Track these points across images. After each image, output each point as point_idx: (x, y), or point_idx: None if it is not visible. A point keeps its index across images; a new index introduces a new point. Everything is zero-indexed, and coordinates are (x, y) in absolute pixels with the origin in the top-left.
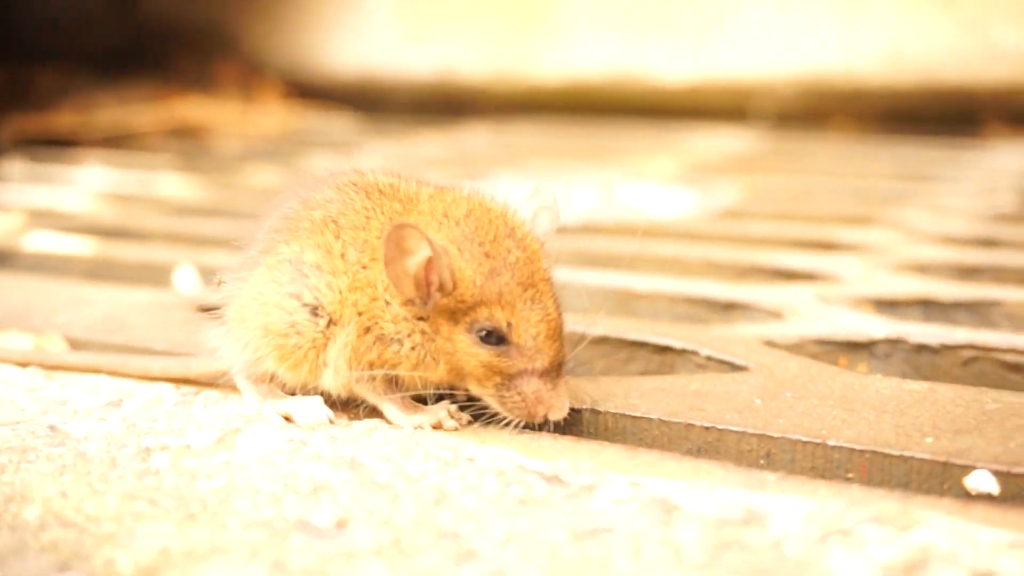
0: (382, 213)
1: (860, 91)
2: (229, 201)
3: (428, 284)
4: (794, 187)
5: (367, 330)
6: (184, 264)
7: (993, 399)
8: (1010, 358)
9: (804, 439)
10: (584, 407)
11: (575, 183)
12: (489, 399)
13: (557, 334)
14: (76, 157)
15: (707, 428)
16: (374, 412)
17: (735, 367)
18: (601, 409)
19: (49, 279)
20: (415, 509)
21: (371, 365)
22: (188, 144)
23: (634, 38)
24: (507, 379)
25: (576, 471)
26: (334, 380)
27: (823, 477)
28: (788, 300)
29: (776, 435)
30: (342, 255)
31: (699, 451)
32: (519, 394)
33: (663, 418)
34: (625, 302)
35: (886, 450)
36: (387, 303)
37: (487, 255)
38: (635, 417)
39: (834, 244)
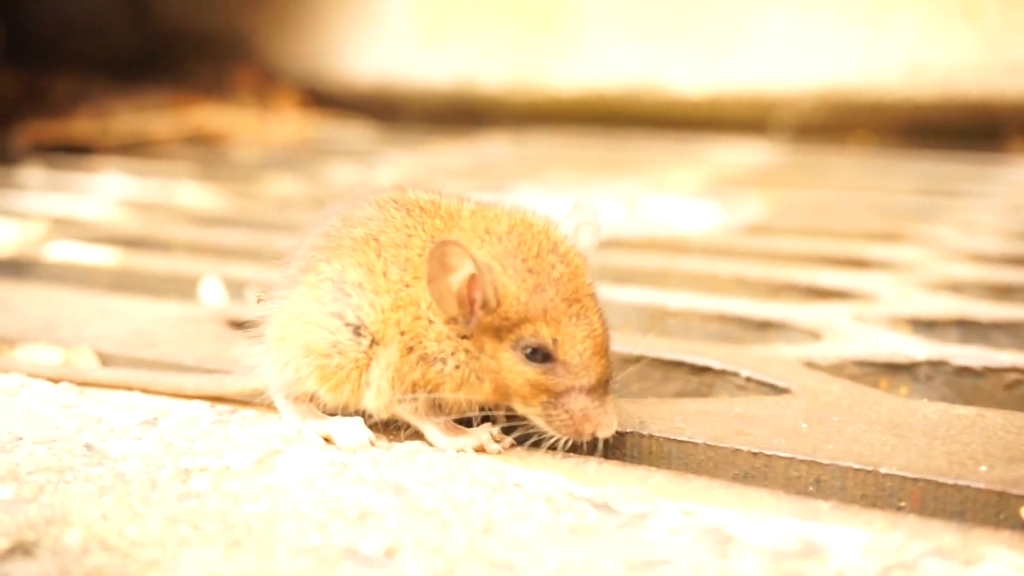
0: (423, 231)
1: (881, 104)
2: (249, 211)
3: (471, 302)
4: (818, 201)
5: (410, 350)
6: (209, 276)
7: None
8: None
9: (855, 466)
10: (629, 430)
11: (598, 196)
12: (535, 418)
13: (603, 350)
14: (93, 164)
15: (755, 454)
16: (416, 434)
17: (777, 389)
18: (646, 432)
19: (74, 290)
20: (465, 537)
21: (414, 386)
22: (205, 152)
23: (654, 48)
24: (553, 397)
25: (626, 498)
26: (376, 401)
27: (875, 506)
28: (825, 319)
29: (826, 462)
30: (384, 273)
31: (747, 477)
32: (566, 412)
33: (709, 442)
34: (657, 320)
35: (940, 479)
36: (430, 322)
37: (530, 271)
38: (681, 441)
39: (865, 261)
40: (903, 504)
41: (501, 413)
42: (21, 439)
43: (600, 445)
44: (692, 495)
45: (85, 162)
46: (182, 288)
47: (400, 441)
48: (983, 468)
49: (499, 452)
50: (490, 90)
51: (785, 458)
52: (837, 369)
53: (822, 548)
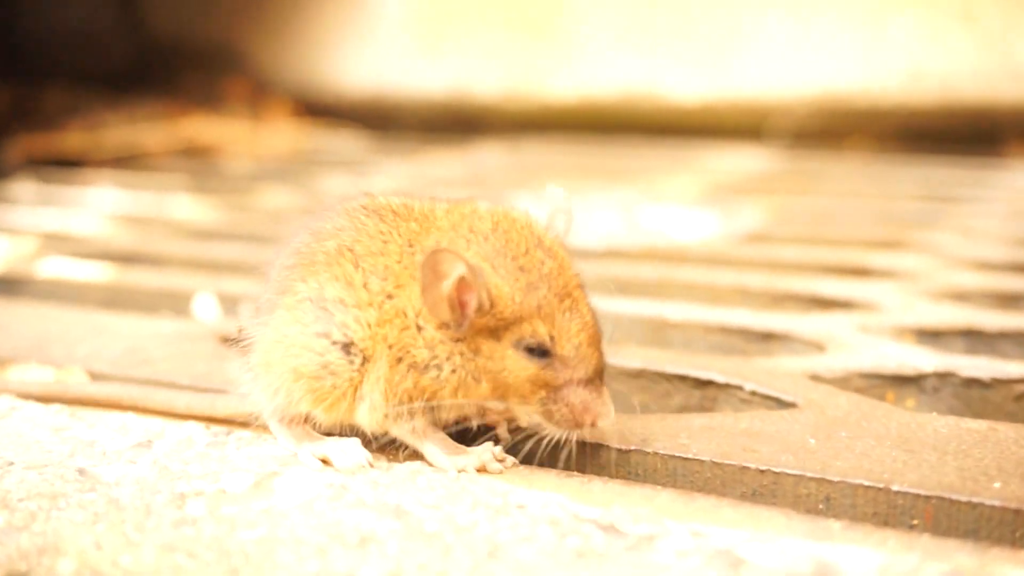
0: (399, 235)
1: (878, 110)
2: (243, 224)
3: (463, 305)
4: (818, 209)
5: (399, 360)
6: (203, 292)
7: None
8: None
9: (866, 483)
10: (632, 447)
11: (595, 205)
12: (535, 415)
13: (597, 341)
14: (85, 178)
15: (763, 471)
16: (415, 454)
17: (782, 403)
18: (649, 450)
19: (66, 308)
20: (469, 563)
21: (409, 396)
22: (198, 164)
23: (649, 56)
24: (552, 392)
25: (632, 519)
26: (370, 416)
27: (887, 524)
28: (828, 330)
29: (836, 479)
30: (364, 285)
31: (755, 495)
32: (566, 405)
33: (716, 460)
34: (657, 331)
35: (953, 496)
36: (419, 329)
37: (521, 269)
38: (687, 459)
39: (868, 270)
40: (916, 522)
41: (504, 431)
42: (12, 464)
43: (611, 460)
44: (700, 515)
45: (77, 175)
46: (176, 304)
47: (400, 461)
48: (997, 484)
49: (501, 472)
50: (485, 99)
51: (794, 475)
52: (843, 382)
53: (836, 570)
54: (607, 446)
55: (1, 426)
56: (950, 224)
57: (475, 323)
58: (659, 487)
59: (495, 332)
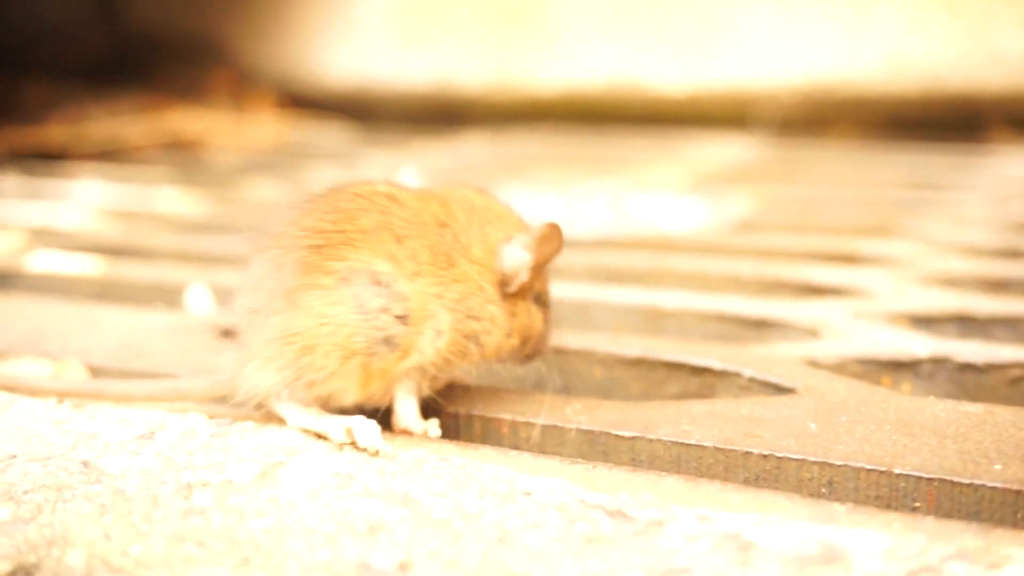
0: (429, 215)
1: (862, 98)
2: (231, 216)
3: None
4: (805, 197)
5: (465, 318)
6: (195, 284)
7: None
8: None
9: (868, 467)
10: (635, 434)
11: (583, 195)
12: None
13: None
14: (69, 171)
15: (765, 456)
16: (418, 444)
17: (781, 389)
18: (652, 436)
19: (59, 301)
20: (479, 549)
21: (461, 353)
22: (182, 157)
23: (633, 46)
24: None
25: (640, 505)
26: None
27: (890, 507)
28: (823, 317)
29: (838, 463)
30: (413, 257)
31: (758, 479)
32: (542, 339)
33: (718, 446)
34: (653, 320)
35: (955, 478)
36: (482, 290)
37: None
38: (689, 445)
39: (858, 257)
40: (918, 505)
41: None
42: (15, 457)
43: (614, 447)
44: (706, 500)
45: (61, 169)
46: (168, 297)
47: (406, 450)
48: (998, 467)
49: (439, 437)
50: (469, 90)
51: (797, 460)
52: (839, 367)
53: (844, 553)
54: (610, 433)
55: (1, 419)
56: (937, 211)
57: (521, 285)
58: (664, 473)
59: (523, 292)
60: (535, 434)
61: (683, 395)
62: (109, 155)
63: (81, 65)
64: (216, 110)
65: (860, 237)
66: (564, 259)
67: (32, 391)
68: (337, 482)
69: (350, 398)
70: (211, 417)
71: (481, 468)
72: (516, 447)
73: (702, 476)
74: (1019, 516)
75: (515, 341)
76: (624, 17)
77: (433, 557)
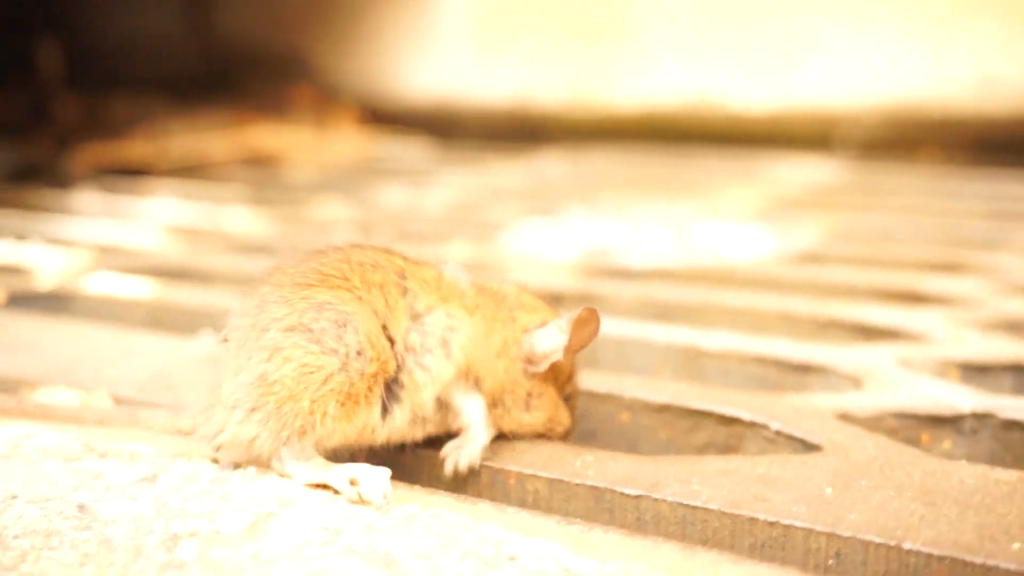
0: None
1: (950, 119)
2: (295, 237)
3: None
4: (878, 226)
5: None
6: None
7: None
8: None
9: (878, 540)
10: (641, 492)
11: (649, 219)
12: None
13: None
14: (147, 188)
15: (772, 523)
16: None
17: (807, 445)
18: (658, 496)
19: (104, 327)
20: None
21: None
22: (260, 173)
23: (713, 64)
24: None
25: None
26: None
27: None
28: (868, 363)
29: (847, 534)
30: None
31: (763, 547)
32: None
33: (725, 509)
34: (692, 361)
35: (967, 557)
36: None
37: None
38: (695, 507)
39: (921, 295)
40: None
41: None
42: (15, 497)
43: (620, 504)
44: (697, 572)
45: (140, 185)
46: (217, 323)
47: (401, 504)
48: (1016, 545)
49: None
50: (547, 106)
51: (804, 528)
52: (875, 421)
53: None
54: (616, 490)
55: (14, 454)
56: (1015, 245)
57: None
58: (662, 538)
59: (555, 382)
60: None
61: (709, 445)
62: (189, 171)
63: (168, 80)
64: (298, 125)
65: (928, 273)
66: (614, 290)
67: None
68: (323, 538)
69: (336, 441)
70: (214, 461)
71: (472, 527)
72: (523, 500)
73: (707, 540)
74: None
75: (537, 421)
76: (704, 34)
77: None
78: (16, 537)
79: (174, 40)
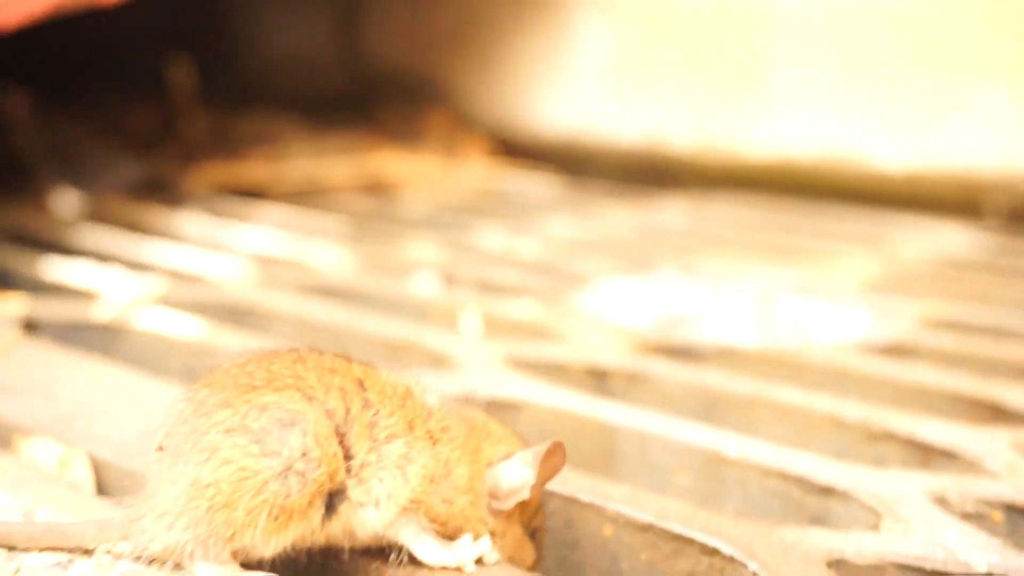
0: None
1: None
2: (369, 280)
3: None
4: (998, 314)
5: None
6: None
7: None
8: None
9: None
10: None
11: (738, 288)
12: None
13: None
14: (253, 212)
15: None
16: None
17: None
18: None
19: (130, 370)
20: None
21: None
22: (373, 202)
23: (851, 116)
24: None
25: None
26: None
27: None
28: (895, 493)
29: None
30: (370, 427)
31: None
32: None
33: None
34: (712, 467)
35: None
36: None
37: None
38: None
39: (1001, 410)
40: None
41: None
42: None
43: None
44: None
45: (247, 208)
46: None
47: None
48: None
49: (497, 561)
50: (678, 150)
51: None
52: (874, 571)
53: None
54: None
55: None
56: None
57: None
58: None
59: (519, 517)
60: None
61: (691, 574)
62: (303, 196)
63: (311, 100)
64: (426, 153)
65: (1020, 382)
66: (664, 373)
67: None
68: None
69: (271, 549)
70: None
71: None
72: None
73: None
74: None
75: (495, 559)
76: (845, 86)
77: None
78: None
79: (320, 60)
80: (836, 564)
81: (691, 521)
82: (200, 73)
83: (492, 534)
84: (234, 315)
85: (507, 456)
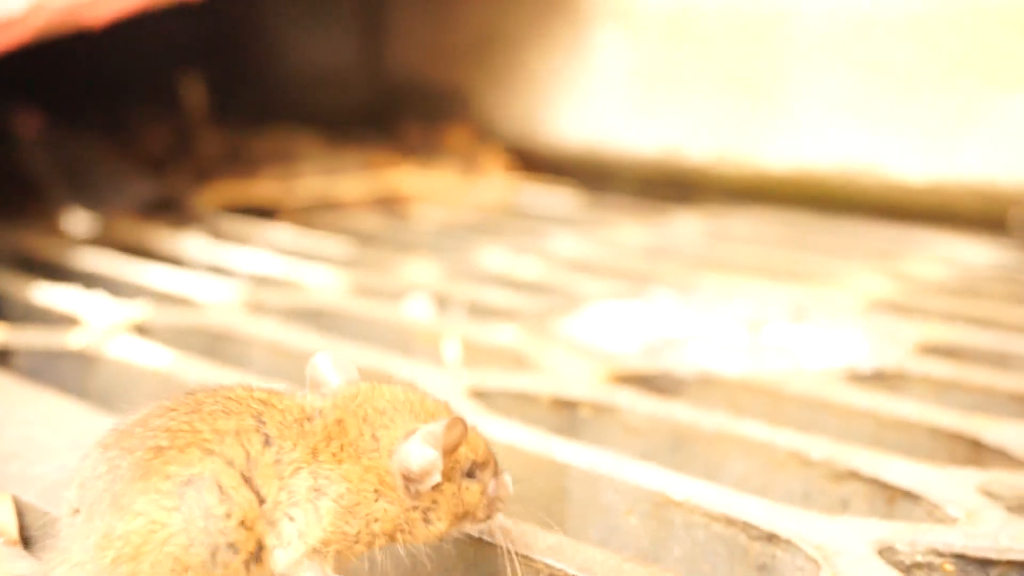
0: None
1: None
2: (366, 304)
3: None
4: (1001, 338)
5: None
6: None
7: None
8: None
9: None
10: None
11: (731, 313)
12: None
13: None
14: (259, 230)
15: None
16: None
17: None
18: None
19: (85, 404)
20: None
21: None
22: (382, 220)
23: (872, 129)
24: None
25: None
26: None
27: None
28: (840, 542)
29: None
30: (279, 460)
31: None
32: (497, 499)
33: None
34: (660, 509)
35: None
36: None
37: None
38: None
39: (978, 445)
40: None
41: None
42: None
43: None
44: None
45: (254, 227)
46: None
47: None
48: None
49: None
50: (698, 163)
51: None
52: None
53: None
54: None
55: None
56: None
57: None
58: None
59: (446, 476)
60: None
61: None
62: (313, 213)
63: (333, 115)
64: (445, 167)
65: (1008, 418)
66: (633, 404)
67: None
68: None
69: None
70: None
71: None
72: None
73: None
74: None
75: (441, 528)
76: (865, 97)
77: None
78: None
79: (342, 74)
80: None
81: (614, 575)
82: (220, 89)
83: (424, 512)
84: (212, 341)
85: (405, 437)
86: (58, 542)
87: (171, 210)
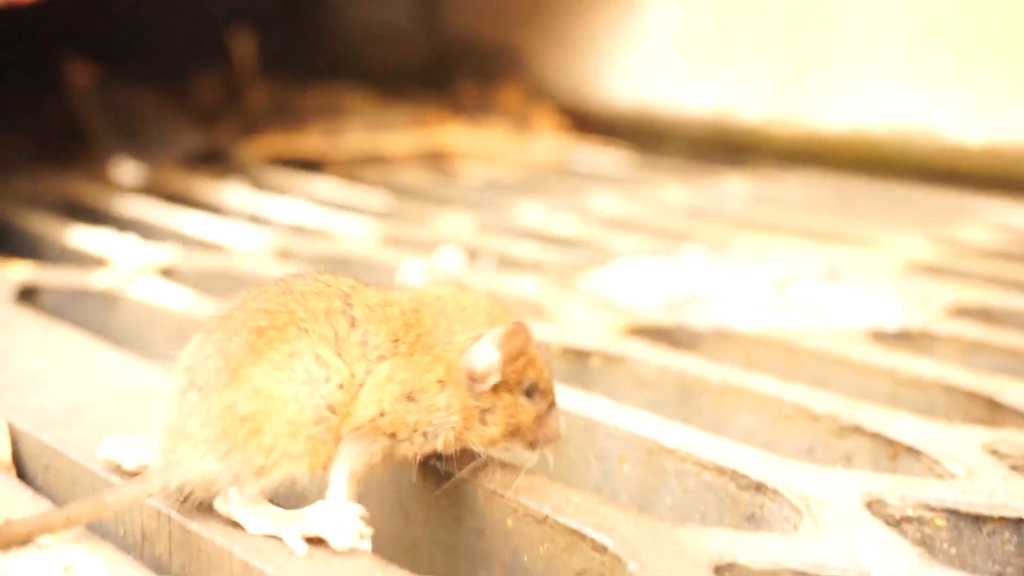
0: (395, 310)
1: None
2: (395, 254)
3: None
4: None
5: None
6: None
7: None
8: None
9: None
10: None
11: (759, 273)
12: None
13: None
14: (300, 183)
15: None
16: None
17: None
18: None
19: (98, 339)
20: None
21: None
22: (431, 175)
23: (928, 90)
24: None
25: None
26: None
27: None
28: (824, 496)
29: None
30: (364, 342)
31: None
32: (548, 430)
33: None
34: (652, 457)
35: None
36: (440, 382)
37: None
38: None
39: (994, 405)
40: None
41: None
42: None
43: None
44: None
45: (298, 180)
46: None
47: None
48: None
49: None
50: (749, 123)
51: None
52: None
53: None
54: None
55: None
56: None
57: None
58: None
59: (506, 387)
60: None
61: (584, 572)
62: (360, 167)
63: (388, 73)
64: (497, 126)
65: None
66: (644, 356)
67: None
68: None
69: (299, 477)
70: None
71: None
72: None
73: None
74: None
75: (495, 433)
76: (919, 58)
77: None
78: None
79: (398, 32)
80: (728, 568)
81: (588, 516)
82: (277, 45)
83: (483, 412)
84: (235, 285)
85: (476, 339)
86: (164, 425)
87: (218, 161)
